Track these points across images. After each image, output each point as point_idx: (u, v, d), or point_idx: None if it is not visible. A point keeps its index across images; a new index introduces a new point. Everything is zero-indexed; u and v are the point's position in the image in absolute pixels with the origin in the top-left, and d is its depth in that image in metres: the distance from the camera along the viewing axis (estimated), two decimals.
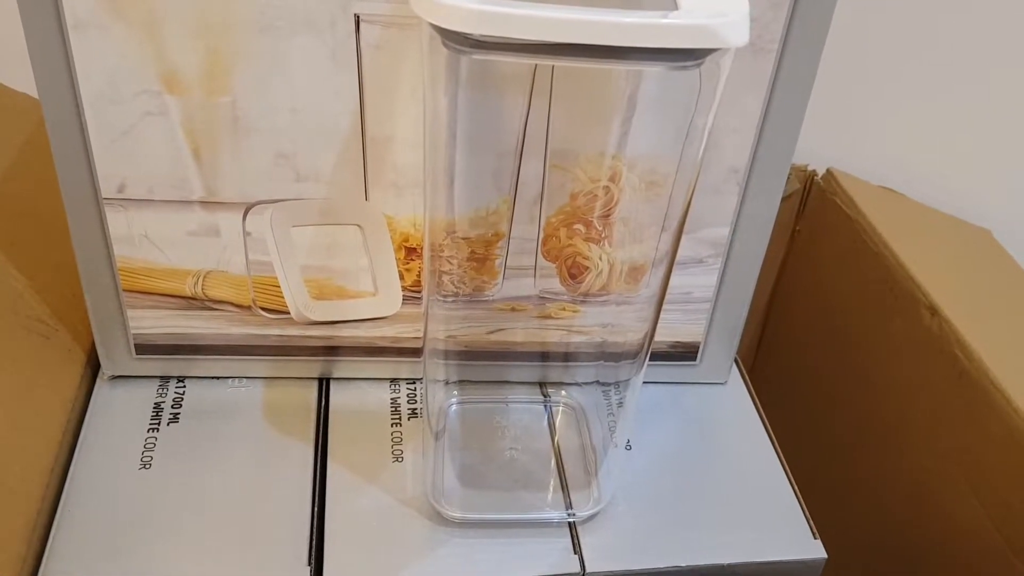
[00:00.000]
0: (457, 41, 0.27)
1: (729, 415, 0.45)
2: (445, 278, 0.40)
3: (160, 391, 0.43)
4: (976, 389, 0.44)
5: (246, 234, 0.39)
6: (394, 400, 0.44)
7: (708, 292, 0.43)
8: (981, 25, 0.58)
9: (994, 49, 0.58)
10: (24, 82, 0.50)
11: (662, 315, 0.37)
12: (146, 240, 0.39)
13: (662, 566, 0.38)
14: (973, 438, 0.45)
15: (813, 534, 0.40)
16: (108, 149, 0.37)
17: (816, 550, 0.39)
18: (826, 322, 0.57)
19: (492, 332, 0.43)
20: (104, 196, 0.38)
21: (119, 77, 0.35)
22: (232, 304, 0.41)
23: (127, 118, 0.36)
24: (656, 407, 0.45)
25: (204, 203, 0.38)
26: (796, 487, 0.42)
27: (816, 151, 0.54)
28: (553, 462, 0.42)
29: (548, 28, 0.26)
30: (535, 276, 0.41)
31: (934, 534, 0.48)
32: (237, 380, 0.44)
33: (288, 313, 0.41)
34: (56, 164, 0.37)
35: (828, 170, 0.57)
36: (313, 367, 0.44)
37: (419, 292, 0.41)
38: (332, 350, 0.43)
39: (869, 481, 0.53)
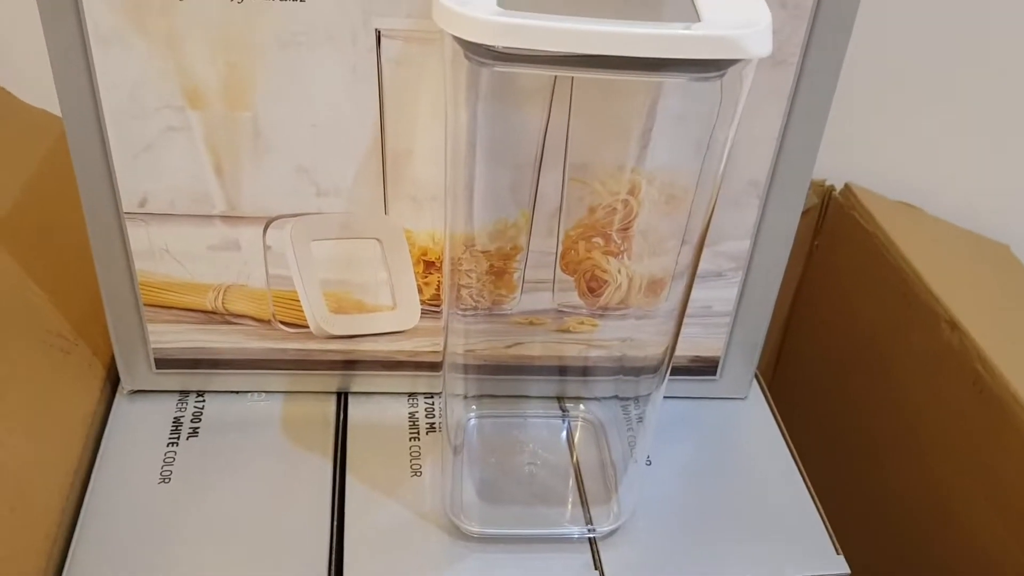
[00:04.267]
0: (479, 53, 0.27)
1: (749, 430, 0.45)
2: (464, 292, 0.40)
3: (180, 405, 0.43)
4: (996, 403, 0.44)
5: (266, 248, 0.39)
6: (412, 414, 0.44)
7: (728, 306, 0.43)
8: (1001, 41, 0.57)
9: (1013, 65, 0.58)
10: (42, 98, 0.51)
11: (682, 329, 0.37)
12: (167, 254, 0.39)
13: None
14: (993, 452, 0.44)
15: (836, 549, 0.39)
16: (130, 164, 0.37)
17: (839, 565, 0.39)
18: (845, 337, 0.57)
19: (510, 346, 0.43)
20: (125, 211, 0.38)
21: (141, 92, 0.35)
22: (252, 318, 0.41)
23: (149, 133, 0.36)
24: (676, 422, 0.45)
25: (225, 217, 0.38)
26: (818, 502, 0.41)
27: (834, 166, 0.54)
28: (572, 477, 0.42)
29: (571, 40, 0.26)
30: (553, 290, 0.41)
31: (955, 549, 0.47)
32: (256, 394, 0.44)
33: (307, 327, 0.41)
34: (78, 179, 0.37)
35: (846, 185, 0.57)
36: (332, 381, 0.44)
37: (437, 306, 0.41)
38: (351, 364, 0.43)
39: (890, 495, 0.53)
